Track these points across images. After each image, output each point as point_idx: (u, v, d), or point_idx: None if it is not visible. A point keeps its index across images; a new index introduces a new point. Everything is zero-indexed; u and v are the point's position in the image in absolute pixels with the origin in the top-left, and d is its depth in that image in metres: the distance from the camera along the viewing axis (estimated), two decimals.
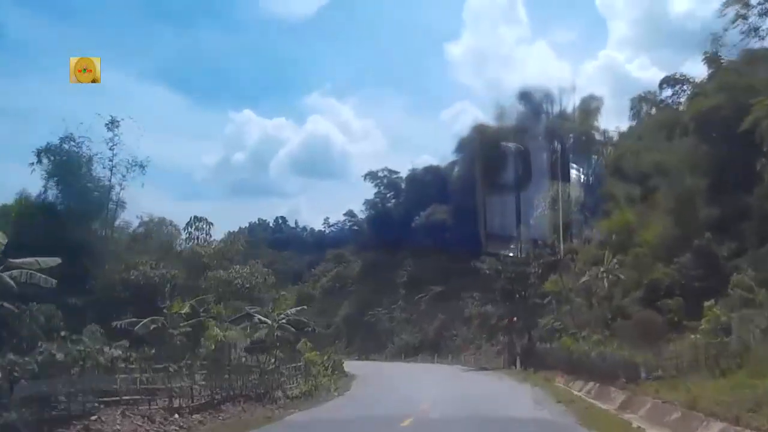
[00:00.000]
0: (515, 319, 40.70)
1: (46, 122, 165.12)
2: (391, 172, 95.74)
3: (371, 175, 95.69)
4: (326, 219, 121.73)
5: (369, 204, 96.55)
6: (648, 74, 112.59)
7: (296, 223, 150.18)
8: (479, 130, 75.78)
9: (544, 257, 41.63)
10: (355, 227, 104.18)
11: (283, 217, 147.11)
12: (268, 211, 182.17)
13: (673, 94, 55.18)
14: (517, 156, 65.38)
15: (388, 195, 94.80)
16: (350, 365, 54.31)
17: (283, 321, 35.97)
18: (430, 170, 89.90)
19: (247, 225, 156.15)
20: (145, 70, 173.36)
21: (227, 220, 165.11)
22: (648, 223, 38.47)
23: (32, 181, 40.64)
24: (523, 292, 40.29)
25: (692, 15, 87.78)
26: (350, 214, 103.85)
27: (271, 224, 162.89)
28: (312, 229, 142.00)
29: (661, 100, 57.33)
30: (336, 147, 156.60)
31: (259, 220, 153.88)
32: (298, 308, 40.23)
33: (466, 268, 54.67)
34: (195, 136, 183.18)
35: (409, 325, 70.33)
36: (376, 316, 75.40)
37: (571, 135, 71.94)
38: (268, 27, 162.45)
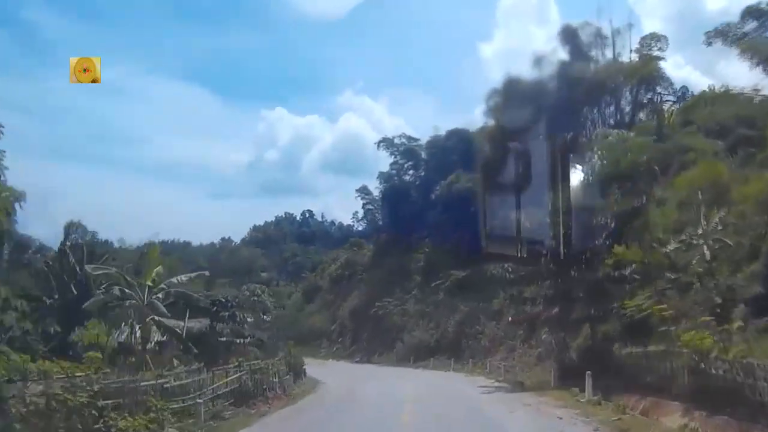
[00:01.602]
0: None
1: (75, 122, 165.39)
2: (409, 138, 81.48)
3: (386, 143, 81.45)
4: (355, 213, 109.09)
5: (383, 177, 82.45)
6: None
7: (323, 216, 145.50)
8: (512, 85, 61.32)
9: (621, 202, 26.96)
10: (369, 206, 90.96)
11: (310, 211, 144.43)
12: (300, 209, 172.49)
13: (759, 27, 43.24)
14: (558, 110, 51.34)
15: (405, 165, 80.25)
16: (333, 371, 41.29)
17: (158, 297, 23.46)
18: (455, 134, 75.15)
19: (273, 219, 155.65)
20: (178, 70, 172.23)
21: (258, 217, 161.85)
22: (746, 178, 25.12)
23: None
24: (583, 259, 25.19)
25: None
26: (363, 190, 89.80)
27: (298, 218, 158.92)
28: (340, 224, 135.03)
29: (744, 34, 43.99)
30: (368, 145, 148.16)
31: (285, 214, 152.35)
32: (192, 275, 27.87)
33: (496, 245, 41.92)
34: (227, 134, 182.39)
35: (423, 320, 55.89)
36: (385, 308, 61.12)
37: (627, 84, 56.88)
38: (301, 26, 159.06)
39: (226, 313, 30.97)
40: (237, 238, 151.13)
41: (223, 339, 31.06)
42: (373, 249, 77.31)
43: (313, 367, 46.22)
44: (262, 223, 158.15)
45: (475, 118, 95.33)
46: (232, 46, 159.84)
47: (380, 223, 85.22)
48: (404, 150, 79.25)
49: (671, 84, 56.21)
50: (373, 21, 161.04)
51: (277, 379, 26.58)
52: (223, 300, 32.94)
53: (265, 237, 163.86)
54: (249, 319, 35.28)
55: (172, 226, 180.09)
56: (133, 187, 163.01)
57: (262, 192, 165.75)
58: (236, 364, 23.40)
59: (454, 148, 71.49)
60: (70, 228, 46.88)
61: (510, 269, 32.60)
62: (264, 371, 25.22)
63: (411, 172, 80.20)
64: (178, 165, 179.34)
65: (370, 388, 29.28)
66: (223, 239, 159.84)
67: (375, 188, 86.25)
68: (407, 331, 55.89)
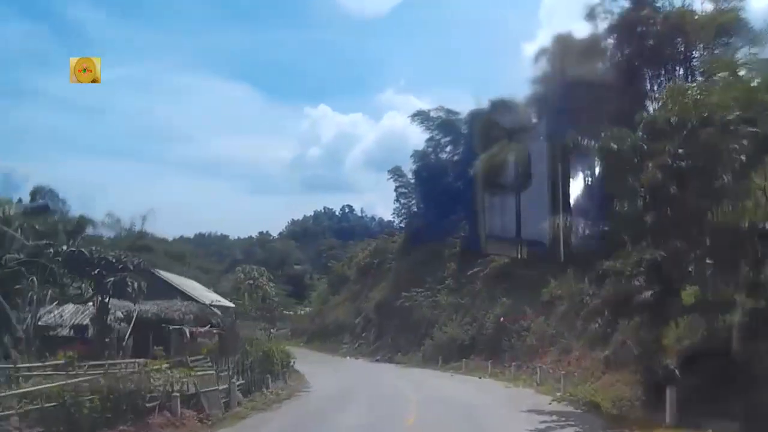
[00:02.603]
0: None
1: (120, 119, 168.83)
2: (448, 112, 72.39)
3: (421, 117, 72.47)
4: (396, 208, 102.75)
5: (417, 155, 73.55)
6: None
7: (362, 211, 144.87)
8: (562, 42, 51.83)
9: None
10: (402, 189, 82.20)
11: (349, 206, 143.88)
12: (340, 205, 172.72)
13: None
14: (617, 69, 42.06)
15: (442, 141, 71.14)
16: (338, 373, 33.32)
17: None
18: (500, 104, 65.64)
19: (312, 213, 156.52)
20: (222, 68, 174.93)
21: (298, 213, 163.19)
22: None
23: None
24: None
25: None
26: (396, 172, 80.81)
27: (337, 213, 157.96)
28: (380, 219, 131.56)
29: None
30: (412, 143, 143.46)
31: (324, 208, 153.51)
32: None
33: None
34: (271, 131, 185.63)
35: (457, 314, 47.00)
36: (414, 300, 52.40)
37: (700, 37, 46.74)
38: (344, 24, 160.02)
39: (111, 279, 22.25)
40: (275, 233, 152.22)
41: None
42: (404, 234, 68.63)
43: (319, 366, 38.42)
44: (300, 218, 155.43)
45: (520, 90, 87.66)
46: (276, 44, 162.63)
47: (413, 207, 77.04)
48: (441, 123, 70.14)
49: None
50: (416, 19, 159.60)
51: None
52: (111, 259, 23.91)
53: (302, 231, 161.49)
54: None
55: (212, 220, 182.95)
56: (175, 182, 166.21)
57: (303, 189, 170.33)
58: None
59: (498, 121, 62.52)
60: (37, 193, 40.19)
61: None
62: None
63: (449, 148, 71.18)
64: (221, 161, 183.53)
65: (361, 407, 20.72)
66: (261, 233, 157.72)
67: (409, 171, 78.42)
68: (438, 326, 47.04)
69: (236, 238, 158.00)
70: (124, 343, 25.99)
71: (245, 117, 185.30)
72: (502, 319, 39.75)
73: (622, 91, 39.27)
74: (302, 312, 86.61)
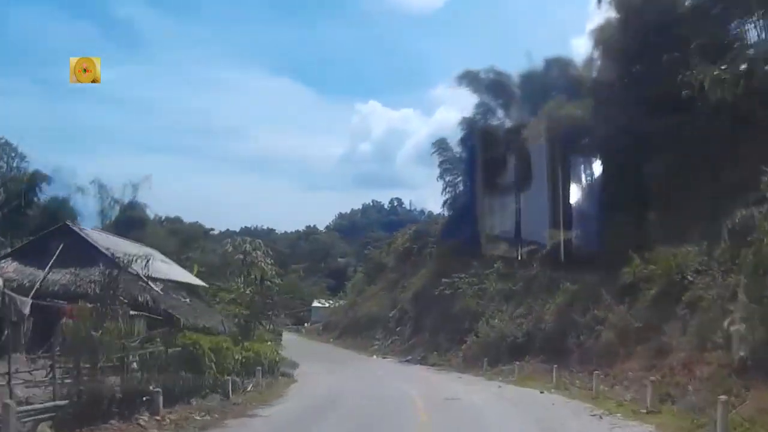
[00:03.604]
0: None
1: (172, 115, 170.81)
2: (498, 74, 62.75)
3: (469, 78, 62.83)
4: (445, 201, 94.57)
5: (465, 123, 64.11)
6: None
7: (411, 204, 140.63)
8: None
9: None
10: (447, 164, 72.78)
11: (398, 199, 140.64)
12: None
13: None
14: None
15: (492, 105, 61.49)
16: (342, 381, 25.08)
17: None
18: (556, 64, 55.84)
19: (361, 206, 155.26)
20: (273, 64, 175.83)
21: (347, 207, 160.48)
22: None
23: None
24: None
25: None
26: (440, 144, 71.18)
27: (386, 207, 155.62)
28: (430, 212, 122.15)
29: None
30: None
31: (373, 202, 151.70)
32: None
33: None
34: (321, 127, 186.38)
35: (508, 303, 37.57)
36: (455, 286, 43.30)
37: None
38: (394, 20, 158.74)
39: None
40: (322, 227, 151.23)
41: None
42: (448, 214, 59.34)
43: (326, 371, 30.33)
44: (348, 211, 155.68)
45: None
46: (326, 40, 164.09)
47: (459, 185, 67.85)
48: (491, 84, 60.52)
49: None
50: (467, 15, 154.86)
51: None
52: None
53: (350, 224, 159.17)
54: None
55: (261, 214, 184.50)
56: (226, 178, 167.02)
57: (354, 184, 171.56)
58: None
59: (554, 82, 52.87)
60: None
61: None
62: None
63: (500, 113, 61.69)
64: (271, 157, 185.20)
65: None
66: (308, 227, 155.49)
67: (457, 144, 69.17)
68: (484, 319, 37.64)
69: (283, 232, 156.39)
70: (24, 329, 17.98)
71: (295, 113, 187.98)
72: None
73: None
74: (337, 304, 78.72)
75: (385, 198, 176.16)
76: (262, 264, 31.50)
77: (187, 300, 22.28)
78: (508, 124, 58.33)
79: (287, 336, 75.27)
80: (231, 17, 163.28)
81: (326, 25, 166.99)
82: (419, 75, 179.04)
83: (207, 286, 30.77)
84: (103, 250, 21.55)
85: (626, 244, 29.08)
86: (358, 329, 60.55)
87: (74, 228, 23.02)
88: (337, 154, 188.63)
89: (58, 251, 20.10)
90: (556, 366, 26.65)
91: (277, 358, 26.62)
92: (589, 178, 43.82)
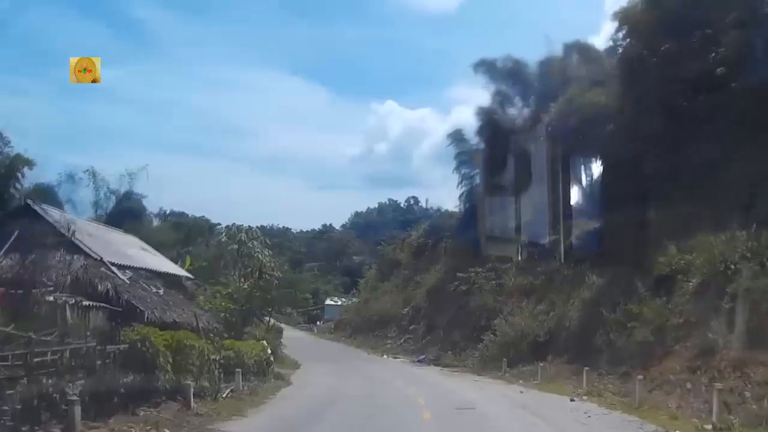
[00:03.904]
0: None
1: (185, 114, 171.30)
2: (515, 61, 59.83)
3: (485, 67, 59.94)
4: (461, 194, 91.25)
5: (482, 113, 61.22)
6: None
7: (427, 202, 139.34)
8: None
9: None
10: (463, 156, 69.91)
11: (414, 198, 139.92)
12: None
13: None
14: None
15: (509, 94, 58.56)
16: (339, 386, 22.48)
17: None
18: (577, 49, 52.91)
19: (377, 205, 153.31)
20: (288, 64, 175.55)
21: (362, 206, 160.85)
22: None
23: None
24: None
25: None
26: (456, 136, 68.27)
27: (402, 205, 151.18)
28: (446, 211, 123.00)
29: None
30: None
31: (389, 200, 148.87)
32: None
33: None
34: (336, 127, 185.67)
35: (529, 299, 34.84)
36: (472, 281, 40.64)
37: None
38: (410, 20, 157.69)
39: None
40: (338, 225, 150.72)
41: None
42: (464, 206, 56.57)
43: (326, 373, 27.76)
44: (364, 210, 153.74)
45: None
46: (341, 39, 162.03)
47: (476, 178, 65.02)
48: (508, 72, 57.63)
49: None
50: (483, 14, 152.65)
51: None
52: None
53: (365, 223, 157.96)
54: None
55: (276, 213, 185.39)
56: (241, 177, 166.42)
57: (370, 184, 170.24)
58: None
59: (574, 68, 49.91)
60: None
61: None
62: None
63: (517, 102, 58.81)
64: (287, 157, 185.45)
65: None
66: (324, 226, 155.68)
67: (472, 136, 66.26)
68: (503, 316, 34.92)
69: (299, 231, 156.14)
70: None
71: (311, 113, 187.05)
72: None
73: None
74: (349, 302, 76.29)
75: (401, 197, 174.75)
76: (259, 255, 29.04)
77: (160, 291, 19.84)
78: (526, 113, 55.81)
79: (297, 334, 73.00)
80: (246, 17, 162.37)
81: (342, 24, 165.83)
82: (436, 74, 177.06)
83: (192, 277, 28.35)
84: (63, 231, 19.13)
85: (658, 233, 26.51)
86: (370, 328, 58.01)
87: (35, 208, 20.62)
88: (353, 153, 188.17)
89: (15, 234, 17.75)
90: (587, 368, 23.65)
91: (270, 359, 24.16)
92: (611, 166, 41.25)
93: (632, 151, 36.65)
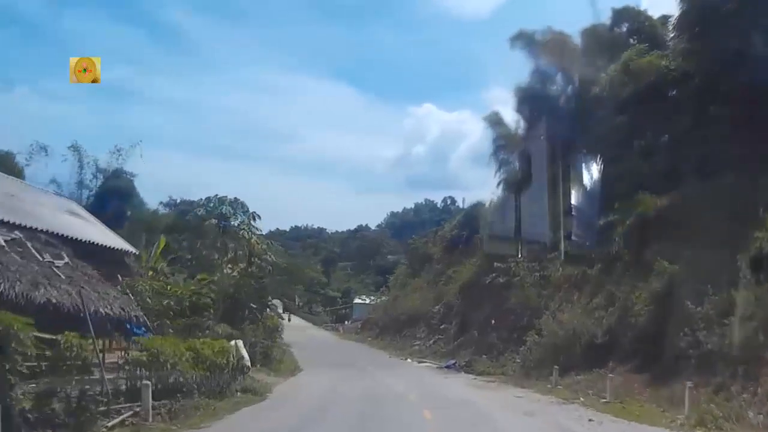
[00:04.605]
0: None
1: (225, 119, 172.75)
2: (557, 33, 53.58)
3: (524, 40, 53.83)
4: (499, 182, 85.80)
5: (520, 93, 55.16)
6: None
7: (464, 202, 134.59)
8: None
9: None
10: (500, 141, 63.73)
11: (451, 197, 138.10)
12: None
13: None
14: None
15: (550, 70, 52.24)
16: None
17: None
18: (626, 15, 46.52)
19: (413, 206, 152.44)
20: (323, 68, 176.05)
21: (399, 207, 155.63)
22: None
23: None
24: None
25: None
26: (493, 119, 61.89)
27: (438, 205, 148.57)
28: (481, 202, 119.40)
29: None
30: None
31: (425, 200, 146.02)
32: None
33: None
34: (374, 131, 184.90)
35: (581, 292, 28.65)
36: (512, 272, 34.74)
37: None
38: (447, 23, 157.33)
39: None
40: (374, 226, 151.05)
41: None
42: (502, 193, 50.47)
43: (349, 374, 22.72)
44: (400, 210, 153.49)
45: None
46: (379, 44, 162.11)
47: (515, 162, 59.06)
48: (549, 45, 51.42)
49: None
50: (519, 18, 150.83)
51: None
52: None
53: (401, 223, 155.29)
54: None
55: (312, 216, 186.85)
56: (277, 180, 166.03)
57: (407, 187, 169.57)
58: None
59: (626, 37, 43.72)
60: None
61: None
62: None
63: (560, 78, 52.60)
64: (324, 160, 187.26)
65: None
66: (359, 226, 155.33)
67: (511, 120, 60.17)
68: (549, 313, 28.82)
69: (334, 231, 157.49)
70: None
71: (348, 117, 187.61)
72: None
73: None
74: (378, 300, 70.96)
75: (438, 198, 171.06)
76: (246, 232, 23.71)
77: (59, 262, 14.59)
78: (570, 90, 49.75)
79: (319, 334, 68.01)
80: (283, 21, 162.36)
81: (379, 29, 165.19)
82: (474, 77, 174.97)
83: (135, 251, 22.96)
84: None
85: (750, 203, 20.60)
86: (398, 327, 52.46)
87: None
88: (390, 156, 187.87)
89: None
90: (690, 384, 16.67)
91: (246, 364, 18.72)
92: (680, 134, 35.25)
93: (706, 114, 30.42)
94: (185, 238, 31.78)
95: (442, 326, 43.41)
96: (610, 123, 35.02)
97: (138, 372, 14.21)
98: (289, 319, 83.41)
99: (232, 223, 24.53)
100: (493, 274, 36.20)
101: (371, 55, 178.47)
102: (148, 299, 19.41)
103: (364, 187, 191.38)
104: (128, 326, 19.90)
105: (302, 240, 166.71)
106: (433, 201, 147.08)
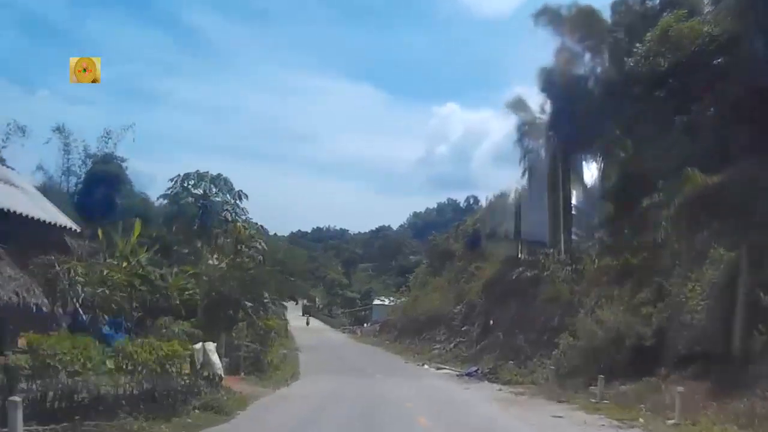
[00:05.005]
0: None
1: (248, 121, 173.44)
2: (584, 8, 49.45)
3: (549, 16, 49.46)
4: (524, 170, 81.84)
5: (544, 74, 50.99)
6: None
7: (487, 200, 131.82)
8: None
9: None
10: (525, 126, 59.48)
11: (474, 197, 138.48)
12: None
13: None
14: None
15: (577, 49, 48.14)
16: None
17: None
18: None
19: (436, 205, 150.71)
20: (347, 69, 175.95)
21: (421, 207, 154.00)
22: None
23: None
24: None
25: None
26: (516, 105, 57.19)
27: (461, 205, 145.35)
28: (505, 193, 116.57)
29: None
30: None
31: (448, 200, 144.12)
32: None
33: None
34: (397, 131, 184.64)
35: (622, 287, 24.61)
36: (542, 265, 30.95)
37: None
38: (470, 23, 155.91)
39: None
40: (396, 225, 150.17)
41: None
42: (528, 181, 46.61)
43: (351, 382, 19.67)
44: (423, 210, 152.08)
45: None
46: (402, 44, 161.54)
47: (541, 149, 54.92)
48: (576, 19, 47.42)
49: None
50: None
51: None
52: None
53: (423, 223, 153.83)
54: None
55: (334, 216, 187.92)
56: (300, 181, 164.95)
57: (430, 186, 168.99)
58: None
59: (659, 10, 39.74)
60: None
61: None
62: None
63: (588, 57, 48.48)
64: (347, 161, 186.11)
65: None
66: (381, 226, 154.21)
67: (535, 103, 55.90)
68: (585, 311, 24.92)
69: (356, 232, 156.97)
70: None
71: (371, 117, 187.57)
72: None
73: None
74: (398, 301, 67.42)
75: (461, 197, 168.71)
76: (228, 213, 20.34)
77: None
78: (599, 68, 45.79)
79: (334, 337, 64.74)
80: (304, 22, 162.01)
81: (402, 30, 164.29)
82: (498, 76, 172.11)
83: (78, 230, 19.64)
84: None
85: None
86: (417, 329, 48.84)
87: None
88: (413, 156, 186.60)
89: None
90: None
91: (206, 374, 15.14)
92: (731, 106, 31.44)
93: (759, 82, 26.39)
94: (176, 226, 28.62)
95: (464, 328, 39.64)
96: (646, 99, 31.41)
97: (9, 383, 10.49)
98: (308, 323, 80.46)
99: (215, 201, 21.14)
100: (520, 269, 32.45)
101: (394, 56, 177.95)
102: (80, 287, 16.15)
103: (387, 187, 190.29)
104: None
105: (324, 241, 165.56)
106: (456, 201, 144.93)
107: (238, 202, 22.33)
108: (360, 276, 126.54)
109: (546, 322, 28.51)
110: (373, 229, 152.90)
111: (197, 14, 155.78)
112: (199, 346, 15.62)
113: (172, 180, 26.23)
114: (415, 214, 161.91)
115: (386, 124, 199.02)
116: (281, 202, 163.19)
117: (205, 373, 15.15)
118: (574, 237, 32.56)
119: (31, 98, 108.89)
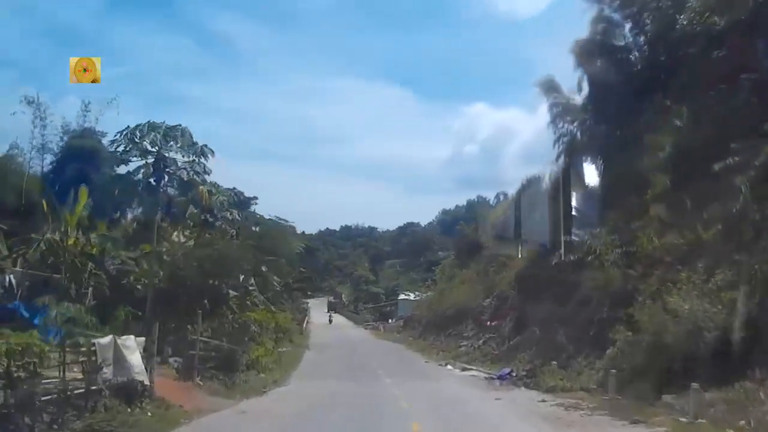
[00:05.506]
0: None
1: (275, 124, 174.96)
2: None
3: None
4: (558, 154, 78.79)
5: (579, 48, 46.08)
6: None
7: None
8: None
9: None
10: (556, 107, 54.60)
11: (504, 193, 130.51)
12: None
13: None
14: None
15: (616, 18, 43.45)
16: None
17: None
18: None
19: (465, 203, 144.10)
20: (373, 72, 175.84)
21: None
22: None
23: None
24: None
25: None
26: (548, 85, 51.90)
27: (491, 202, 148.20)
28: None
29: None
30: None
31: (477, 197, 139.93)
32: None
33: None
34: (425, 132, 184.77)
35: (688, 272, 19.89)
36: (587, 249, 26.45)
37: None
38: (497, 24, 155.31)
39: None
40: (425, 223, 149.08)
41: None
42: (564, 158, 41.99)
43: (351, 389, 17.41)
44: (452, 207, 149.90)
45: None
46: (429, 46, 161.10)
47: (576, 132, 50.29)
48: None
49: None
50: (568, 18, 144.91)
51: None
52: None
53: (453, 220, 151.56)
54: None
55: (363, 217, 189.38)
56: (328, 183, 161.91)
57: (459, 186, 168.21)
58: None
59: None
60: None
61: None
62: None
63: (629, 29, 43.51)
64: (375, 162, 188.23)
65: None
66: (409, 223, 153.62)
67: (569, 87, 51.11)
68: (643, 301, 20.31)
69: (385, 230, 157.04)
70: None
71: (399, 119, 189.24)
72: None
73: None
74: (424, 296, 63.52)
75: (491, 195, 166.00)
76: (186, 172, 16.26)
77: None
78: (641, 36, 41.06)
79: (355, 333, 61.30)
80: (331, 26, 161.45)
81: (428, 31, 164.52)
82: (525, 75, 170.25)
83: None
84: None
85: None
86: (443, 325, 44.63)
87: None
88: (441, 157, 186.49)
89: None
90: None
91: (147, 386, 11.01)
92: None
93: None
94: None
95: (493, 323, 35.12)
96: (701, 62, 27.12)
97: None
98: (330, 320, 77.21)
99: (168, 156, 16.85)
100: (560, 253, 27.91)
101: (422, 57, 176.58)
102: None
103: (415, 187, 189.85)
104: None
105: (352, 239, 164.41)
106: (485, 198, 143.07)
107: (202, 160, 18.05)
108: (387, 272, 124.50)
109: (592, 314, 23.93)
110: (401, 225, 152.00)
111: (226, 21, 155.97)
112: (106, 340, 11.60)
113: (118, 134, 22.19)
114: (444, 212, 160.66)
115: (415, 125, 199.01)
116: (310, 202, 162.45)
117: (121, 379, 11.18)
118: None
119: (59, 104, 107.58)
